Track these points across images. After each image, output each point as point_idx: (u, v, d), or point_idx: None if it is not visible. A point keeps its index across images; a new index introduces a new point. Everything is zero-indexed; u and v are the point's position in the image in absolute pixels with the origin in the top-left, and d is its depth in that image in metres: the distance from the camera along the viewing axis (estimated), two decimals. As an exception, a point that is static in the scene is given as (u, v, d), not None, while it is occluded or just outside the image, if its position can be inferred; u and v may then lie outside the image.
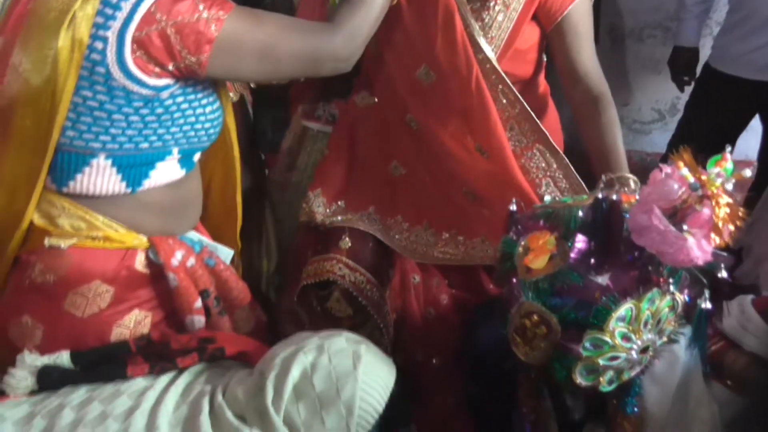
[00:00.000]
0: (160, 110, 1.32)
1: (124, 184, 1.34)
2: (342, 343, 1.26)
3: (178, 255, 1.42)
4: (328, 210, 1.82)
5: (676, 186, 1.06)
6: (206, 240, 1.54)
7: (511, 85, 1.62)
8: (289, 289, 1.96)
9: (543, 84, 1.81)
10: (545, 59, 1.78)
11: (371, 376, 1.23)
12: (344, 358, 1.22)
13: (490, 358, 1.65)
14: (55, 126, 1.25)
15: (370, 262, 1.77)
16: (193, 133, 1.40)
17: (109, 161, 1.32)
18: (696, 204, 1.07)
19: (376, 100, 1.79)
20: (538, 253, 1.27)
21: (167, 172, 1.39)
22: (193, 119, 1.38)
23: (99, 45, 1.24)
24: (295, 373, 1.20)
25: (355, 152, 1.84)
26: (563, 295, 1.22)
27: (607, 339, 1.20)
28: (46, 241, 1.34)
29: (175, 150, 1.38)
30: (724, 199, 1.06)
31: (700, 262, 1.11)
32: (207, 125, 1.42)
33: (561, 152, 1.62)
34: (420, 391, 1.90)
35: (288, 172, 2.06)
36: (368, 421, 1.22)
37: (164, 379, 1.29)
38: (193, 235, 1.51)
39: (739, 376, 1.70)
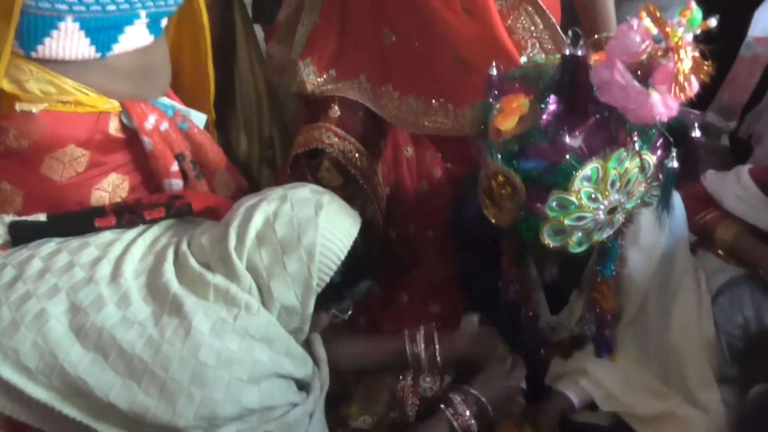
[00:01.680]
0: None
1: (93, 48, 1.35)
2: (305, 192, 1.29)
3: (151, 119, 1.43)
4: (319, 79, 1.81)
5: (638, 38, 1.03)
6: (178, 105, 1.55)
7: None
8: (283, 165, 1.99)
9: None
10: None
11: (333, 224, 1.26)
12: (306, 206, 1.26)
13: (477, 229, 1.68)
14: None
15: (360, 131, 1.77)
16: None
17: (77, 24, 1.31)
18: (661, 58, 1.04)
19: None
20: (508, 115, 1.26)
21: (136, 37, 1.39)
22: None
23: None
24: (257, 221, 1.24)
25: (346, 20, 1.80)
26: (532, 157, 1.22)
27: (573, 199, 1.21)
28: (17, 106, 1.35)
29: (143, 14, 1.37)
30: (688, 52, 1.03)
31: (665, 119, 1.09)
32: None
33: (548, 13, 1.57)
34: (412, 262, 1.95)
35: (284, 45, 2.03)
36: (330, 267, 1.26)
37: (132, 232, 1.33)
38: (165, 101, 1.52)
39: (730, 245, 1.71)
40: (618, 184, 1.21)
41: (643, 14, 1.03)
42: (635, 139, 1.15)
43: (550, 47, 1.57)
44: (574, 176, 1.18)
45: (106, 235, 1.32)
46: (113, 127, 1.42)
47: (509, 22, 1.59)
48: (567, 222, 1.24)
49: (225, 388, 1.17)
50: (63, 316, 1.19)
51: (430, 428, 1.54)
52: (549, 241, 1.27)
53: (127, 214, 1.34)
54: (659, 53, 1.04)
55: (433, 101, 1.75)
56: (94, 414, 1.17)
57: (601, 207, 1.23)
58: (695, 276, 1.71)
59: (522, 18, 1.58)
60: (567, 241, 1.28)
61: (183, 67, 1.60)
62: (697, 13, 1.04)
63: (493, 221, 1.32)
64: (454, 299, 1.89)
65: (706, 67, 1.04)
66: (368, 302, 1.92)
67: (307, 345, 1.38)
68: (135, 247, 1.28)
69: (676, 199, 1.58)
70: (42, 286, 1.22)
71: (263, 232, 1.24)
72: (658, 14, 1.02)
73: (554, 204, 1.21)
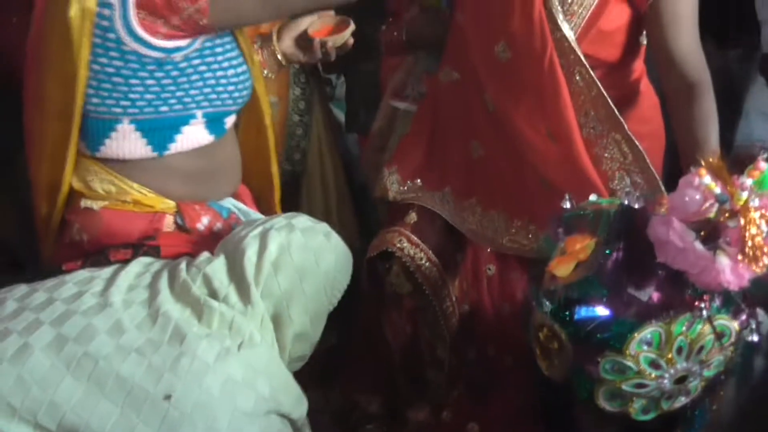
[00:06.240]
0: (175, 73, 1.35)
1: (149, 148, 1.38)
2: (306, 220, 1.32)
3: (204, 220, 1.45)
4: (402, 187, 1.78)
5: (697, 197, 0.89)
6: (240, 206, 1.56)
7: (588, 67, 1.46)
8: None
9: (637, 70, 1.61)
10: (644, 43, 1.58)
11: (342, 249, 1.31)
12: (315, 233, 1.29)
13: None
14: (77, 93, 1.31)
15: (435, 241, 1.72)
16: (215, 96, 1.41)
17: (133, 126, 1.36)
18: (728, 220, 0.89)
19: (458, 76, 1.70)
20: (566, 259, 1.13)
21: (194, 136, 1.42)
22: (213, 82, 1.39)
23: (106, 12, 1.28)
24: (272, 248, 1.23)
25: (437, 130, 1.77)
26: (584, 312, 1.09)
27: (629, 363, 1.06)
28: (82, 203, 1.42)
29: (199, 113, 1.40)
30: (757, 218, 0.87)
31: (734, 288, 0.93)
32: (230, 88, 1.42)
33: (638, 143, 1.45)
34: (489, 387, 1.81)
35: (379, 153, 2.03)
36: (339, 291, 1.31)
37: (108, 270, 1.28)
38: (227, 203, 1.53)
39: None
40: (686, 351, 1.05)
41: (703, 171, 0.89)
42: (702, 305, 0.99)
43: (639, 180, 1.44)
44: (629, 339, 1.03)
45: (82, 273, 1.28)
46: (167, 226, 1.44)
47: (596, 150, 1.50)
48: (625, 387, 1.08)
49: (228, 418, 1.11)
50: (49, 348, 1.13)
51: None
52: (605, 405, 1.12)
53: (92, 256, 1.33)
54: (726, 214, 0.89)
55: (516, 220, 1.66)
56: None
57: (666, 375, 1.06)
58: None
59: (610, 147, 1.48)
60: (628, 407, 1.12)
61: (248, 165, 1.61)
62: (768, 173, 0.89)
63: (546, 373, 1.19)
64: (527, 433, 1.73)
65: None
66: (438, 428, 1.81)
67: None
68: (119, 280, 1.23)
69: None
70: (21, 322, 1.16)
71: (279, 259, 1.23)
72: (723, 170, 0.88)
73: (607, 366, 1.07)
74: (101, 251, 1.36)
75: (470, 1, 1.60)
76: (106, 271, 1.27)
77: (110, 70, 1.32)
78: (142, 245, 1.36)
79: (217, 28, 1.36)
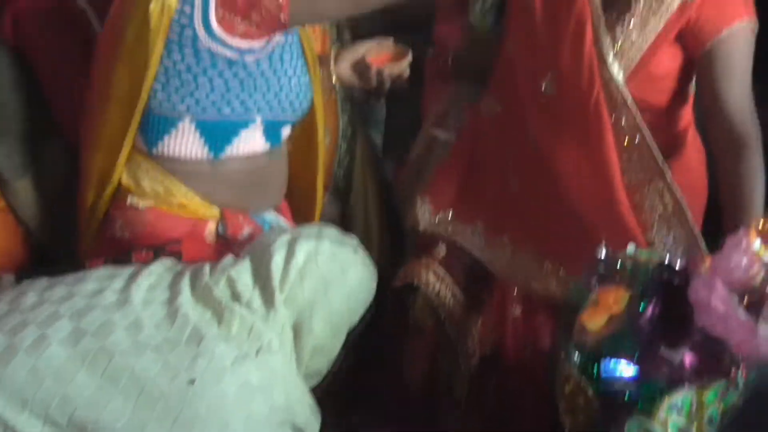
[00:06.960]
0: (242, 75, 1.36)
1: (206, 148, 1.40)
2: (336, 233, 1.30)
3: (246, 231, 1.45)
4: (433, 218, 1.75)
5: (744, 261, 0.84)
6: (282, 222, 1.54)
7: (635, 111, 1.42)
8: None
9: (685, 119, 1.57)
10: (693, 91, 1.54)
11: (368, 265, 1.29)
12: (344, 246, 1.27)
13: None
14: (144, 86, 1.33)
15: (462, 278, 1.69)
16: (276, 103, 1.42)
17: (194, 125, 1.38)
18: (776, 287, 0.85)
19: (500, 108, 1.67)
20: (599, 311, 1.09)
21: (250, 141, 1.43)
22: (277, 88, 1.41)
23: (187, 9, 1.30)
24: (299, 256, 1.22)
25: (474, 163, 1.74)
26: (615, 369, 1.04)
27: (657, 428, 1.00)
28: (128, 200, 1.43)
29: (259, 118, 1.41)
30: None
31: (776, 360, 0.88)
32: (292, 97, 1.43)
33: (678, 193, 1.40)
34: (510, 423, 1.76)
35: (415, 181, 2.00)
36: (362, 307, 1.27)
37: (129, 269, 1.27)
38: (269, 215, 1.52)
39: None
40: (717, 421, 0.99)
41: (753, 232, 0.85)
42: (742, 373, 0.94)
43: (678, 234, 1.39)
44: (659, 402, 0.98)
45: (103, 270, 1.28)
46: (208, 232, 1.45)
47: (637, 198, 1.45)
48: (651, 452, 1.03)
49: (243, 423, 1.10)
50: (66, 341, 1.12)
51: None
52: (630, 468, 1.07)
53: (114, 258, 1.34)
54: (772, 282, 0.85)
55: (546, 263, 1.62)
56: None
57: (696, 444, 1.01)
58: None
59: (651, 196, 1.44)
60: (653, 471, 1.06)
61: (294, 179, 1.60)
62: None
63: (570, 428, 1.14)
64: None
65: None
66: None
67: None
68: (140, 279, 1.23)
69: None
70: (40, 314, 1.16)
71: (306, 266, 1.22)
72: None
73: (633, 428, 1.02)
74: (124, 251, 1.36)
75: (521, 32, 1.58)
76: (128, 270, 1.27)
77: (181, 67, 1.34)
78: (164, 249, 1.36)
79: (295, 23, 1.36)
